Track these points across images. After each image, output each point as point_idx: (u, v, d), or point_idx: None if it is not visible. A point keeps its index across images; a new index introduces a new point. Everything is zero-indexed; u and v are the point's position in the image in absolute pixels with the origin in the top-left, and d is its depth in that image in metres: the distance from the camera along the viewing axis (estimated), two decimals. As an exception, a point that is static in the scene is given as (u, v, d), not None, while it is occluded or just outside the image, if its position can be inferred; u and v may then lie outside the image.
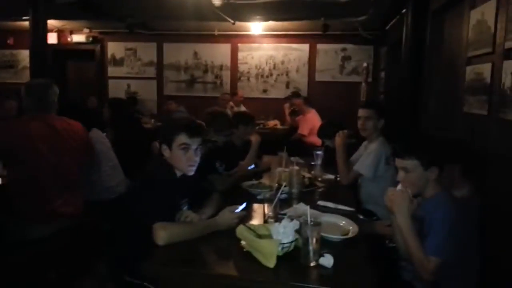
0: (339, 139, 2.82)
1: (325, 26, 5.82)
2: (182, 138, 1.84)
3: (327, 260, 1.48)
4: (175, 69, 7.33)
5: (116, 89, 7.30)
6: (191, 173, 1.90)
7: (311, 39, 6.81)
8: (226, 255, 1.62)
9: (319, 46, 6.88)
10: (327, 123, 3.45)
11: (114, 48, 7.43)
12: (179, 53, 7.28)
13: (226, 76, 7.22)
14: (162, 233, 1.63)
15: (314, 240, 1.50)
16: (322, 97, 6.48)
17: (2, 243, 2.12)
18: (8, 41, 7.44)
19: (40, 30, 4.48)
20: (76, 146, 2.38)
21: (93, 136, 2.87)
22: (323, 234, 1.61)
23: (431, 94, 3.66)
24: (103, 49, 7.44)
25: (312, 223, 1.53)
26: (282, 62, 7.00)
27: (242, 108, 6.07)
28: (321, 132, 3.44)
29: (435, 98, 3.61)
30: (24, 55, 7.45)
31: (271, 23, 5.93)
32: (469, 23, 2.66)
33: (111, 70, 7.49)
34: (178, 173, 1.91)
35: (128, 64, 7.44)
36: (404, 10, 4.00)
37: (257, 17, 5.58)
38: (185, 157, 1.85)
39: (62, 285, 2.29)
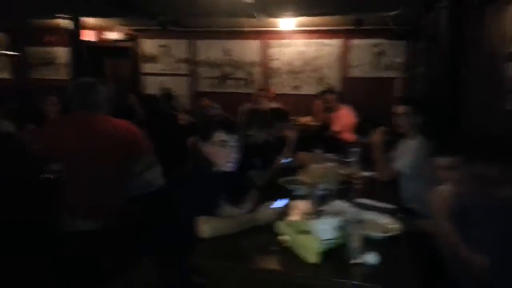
0: (377, 136, 2.79)
1: (358, 20, 5.74)
2: (220, 135, 1.90)
3: (372, 258, 1.48)
4: (207, 66, 7.42)
5: (151, 86, 7.46)
6: (230, 169, 1.94)
7: (344, 34, 6.72)
8: (268, 250, 1.64)
9: (352, 42, 6.79)
10: (364, 120, 3.42)
11: (148, 45, 7.59)
12: (211, 50, 7.35)
13: (257, 72, 7.23)
14: (206, 227, 1.68)
15: (357, 237, 1.51)
16: (356, 93, 6.39)
17: (54, 234, 2.22)
18: (47, 39, 7.72)
19: (77, 28, 4.63)
20: (117, 145, 2.34)
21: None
22: (365, 231, 1.60)
23: (471, 90, 3.55)
24: (138, 46, 7.61)
25: (354, 220, 1.54)
26: (314, 58, 6.95)
27: (275, 105, 6.07)
28: (358, 129, 3.41)
29: (475, 94, 3.49)
30: (61, 52, 7.74)
31: (302, 19, 5.89)
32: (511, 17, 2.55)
33: (146, 67, 7.66)
34: (217, 169, 1.95)
35: (161, 61, 7.58)
36: (440, 4, 3.89)
37: (288, 13, 5.56)
38: (223, 153, 1.90)
39: (109, 277, 2.38)
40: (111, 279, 2.41)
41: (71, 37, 4.68)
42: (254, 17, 5.41)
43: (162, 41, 7.48)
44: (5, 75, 7.75)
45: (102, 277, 2.31)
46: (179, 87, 7.45)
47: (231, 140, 1.92)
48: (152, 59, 7.62)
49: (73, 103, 2.34)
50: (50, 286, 2.14)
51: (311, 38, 6.92)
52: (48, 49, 7.81)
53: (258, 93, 6.34)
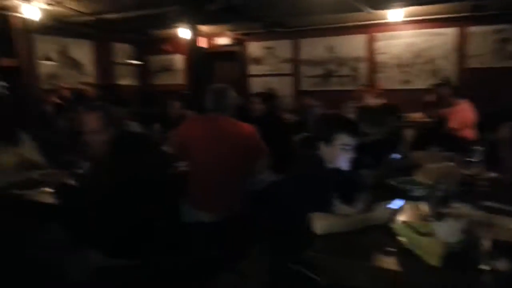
0: (505, 132, 2.53)
1: (477, 6, 5.21)
2: (343, 138, 1.91)
3: (503, 264, 1.37)
4: (310, 64, 7.45)
5: (256, 87, 7.75)
6: (346, 168, 1.96)
7: (459, 22, 6.16)
8: (384, 250, 1.62)
9: (470, 29, 6.18)
10: (488, 115, 3.12)
11: (254, 48, 7.90)
12: (314, 48, 7.36)
13: (363, 68, 7.03)
14: (321, 223, 1.72)
15: (486, 241, 1.41)
16: (476, 86, 5.81)
17: (179, 222, 2.48)
18: (165, 48, 8.53)
19: (194, 36, 5.03)
20: (242, 146, 2.58)
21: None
22: (494, 236, 1.49)
23: None
24: (244, 50, 7.97)
25: (482, 223, 1.44)
26: (425, 50, 6.49)
27: (382, 101, 5.84)
28: (481, 125, 3.13)
29: None
30: (178, 59, 8.49)
31: (412, 9, 5.56)
32: None
33: (252, 69, 7.99)
34: (330, 167, 1.98)
35: (266, 62, 7.83)
36: None
37: (397, 3, 5.31)
38: (343, 155, 1.92)
39: (223, 265, 2.57)
40: (226, 269, 2.61)
41: (189, 45, 5.10)
42: (361, 11, 5.28)
43: (267, 43, 7.71)
44: (130, 81, 8.77)
45: (218, 267, 2.51)
46: (283, 87, 7.61)
47: (353, 142, 1.93)
48: (257, 60, 7.91)
49: (207, 106, 2.63)
50: (173, 273, 2.37)
51: (421, 28, 6.48)
52: (167, 57, 8.62)
53: (362, 89, 6.16)
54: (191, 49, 5.04)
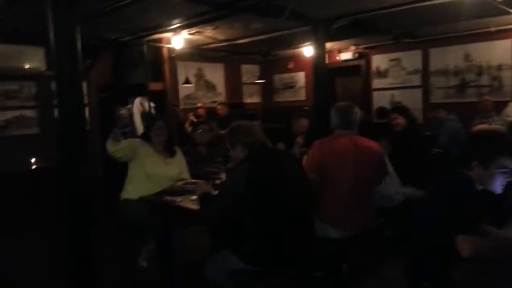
0: None
1: None
2: (505, 161, 1.73)
3: None
4: (442, 75, 6.91)
5: (380, 100, 7.50)
6: (498, 191, 1.78)
7: None
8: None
9: None
10: None
11: (378, 61, 7.68)
12: (447, 57, 6.82)
13: (506, 77, 6.25)
14: (468, 246, 1.60)
15: None
16: None
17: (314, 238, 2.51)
18: (289, 66, 8.84)
19: (320, 54, 5.12)
20: (373, 163, 2.64)
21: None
22: None
23: None
24: (368, 63, 7.80)
25: None
26: None
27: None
28: None
29: None
30: (299, 76, 8.72)
31: None
32: None
33: (376, 82, 7.77)
34: (479, 187, 1.81)
35: (392, 75, 7.53)
36: None
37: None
38: (500, 179, 1.74)
39: (351, 281, 2.53)
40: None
41: (312, 62, 5.23)
42: (507, 13, 4.73)
43: (393, 55, 7.43)
44: (255, 99, 9.29)
45: (346, 285, 2.47)
46: (410, 100, 7.20)
47: None
48: (382, 73, 7.66)
49: (334, 123, 2.69)
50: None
51: None
52: (290, 74, 8.93)
53: (483, 100, 5.54)
54: (315, 66, 5.13)
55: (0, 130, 5.17)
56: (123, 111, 5.32)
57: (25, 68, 5.45)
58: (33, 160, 5.21)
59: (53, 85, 5.28)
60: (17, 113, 5.34)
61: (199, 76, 8.01)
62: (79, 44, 2.48)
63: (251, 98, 9.11)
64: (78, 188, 2.53)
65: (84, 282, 2.56)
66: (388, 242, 2.79)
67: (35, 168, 5.23)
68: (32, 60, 5.48)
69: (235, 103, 8.10)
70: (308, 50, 7.20)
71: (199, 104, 7.50)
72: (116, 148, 3.21)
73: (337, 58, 7.96)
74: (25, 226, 4.61)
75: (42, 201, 4.93)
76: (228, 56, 7.60)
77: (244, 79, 8.95)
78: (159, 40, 5.85)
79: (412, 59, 7.22)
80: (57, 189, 2.77)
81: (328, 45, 7.07)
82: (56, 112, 5.29)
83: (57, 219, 2.70)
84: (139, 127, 5.30)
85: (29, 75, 5.43)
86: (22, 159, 5.12)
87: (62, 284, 2.89)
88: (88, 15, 3.79)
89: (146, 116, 5.39)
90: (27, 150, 5.20)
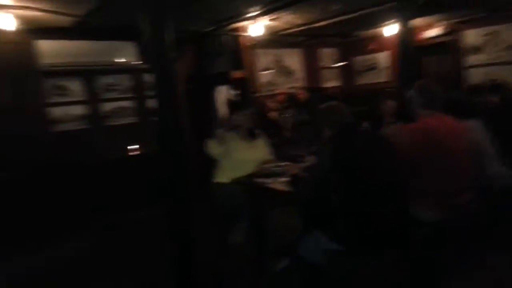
0: None
1: None
2: None
3: None
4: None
5: (474, 78, 6.92)
6: None
7: None
8: None
9: None
10: None
11: (470, 36, 7.07)
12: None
13: None
14: None
15: None
16: None
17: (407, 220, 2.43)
18: (371, 47, 8.50)
19: (406, 31, 4.86)
20: (468, 142, 2.51)
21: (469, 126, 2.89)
22: None
23: None
24: (457, 39, 7.21)
25: None
26: None
27: None
28: None
29: None
30: (382, 57, 8.34)
31: None
32: None
33: (467, 59, 7.17)
34: None
35: (486, 51, 6.89)
36: None
37: None
38: None
39: (452, 272, 2.41)
40: (455, 276, 2.42)
41: (397, 41, 4.98)
42: None
43: (488, 29, 6.78)
44: (336, 83, 9.09)
45: (445, 272, 2.36)
46: (509, 76, 6.53)
47: None
48: (475, 49, 7.04)
49: (418, 102, 2.55)
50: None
51: None
52: (371, 56, 8.60)
53: None
54: (401, 44, 4.88)
55: (102, 120, 5.73)
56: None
57: (119, 62, 5.95)
58: (131, 147, 5.72)
59: (145, 77, 5.79)
60: (115, 104, 5.87)
61: (278, 62, 8.05)
62: (171, 36, 2.61)
63: (331, 82, 8.94)
64: (180, 174, 2.62)
65: (185, 258, 2.69)
66: (490, 227, 2.62)
67: (133, 155, 5.74)
68: (125, 55, 5.96)
69: (314, 88, 8.02)
70: (390, 29, 6.87)
71: (278, 91, 7.56)
72: (217, 152, 3.48)
73: (424, 36, 7.47)
74: (123, 207, 5.10)
75: (138, 185, 5.40)
76: (306, 40, 7.52)
77: (323, 63, 8.80)
78: (238, 29, 5.99)
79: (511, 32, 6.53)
80: (155, 174, 2.89)
81: (414, 22, 6.71)
82: (149, 103, 5.76)
83: (151, 202, 2.91)
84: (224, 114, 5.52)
85: (124, 69, 5.92)
86: (121, 147, 5.65)
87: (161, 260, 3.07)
88: (176, 6, 3.95)
89: (230, 103, 5.60)
90: (126, 139, 5.72)
